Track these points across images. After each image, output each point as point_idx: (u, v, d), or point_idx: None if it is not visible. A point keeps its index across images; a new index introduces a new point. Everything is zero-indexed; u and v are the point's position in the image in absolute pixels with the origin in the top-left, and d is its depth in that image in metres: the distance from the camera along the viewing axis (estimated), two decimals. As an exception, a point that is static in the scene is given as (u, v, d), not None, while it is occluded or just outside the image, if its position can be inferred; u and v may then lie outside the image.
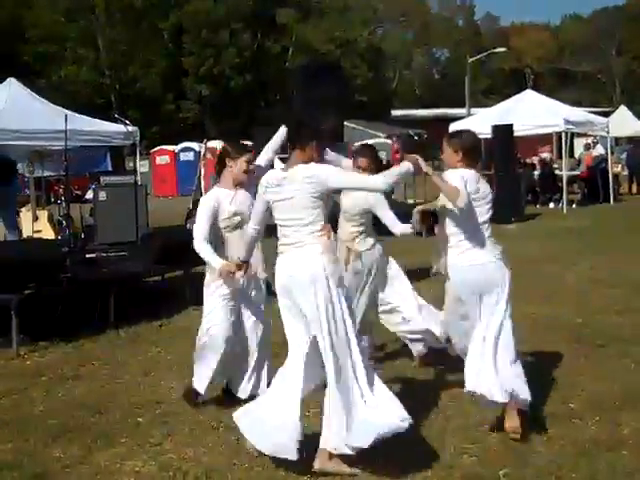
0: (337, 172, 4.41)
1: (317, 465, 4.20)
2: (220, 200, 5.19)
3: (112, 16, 51.19)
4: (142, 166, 24.97)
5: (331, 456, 4.19)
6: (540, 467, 4.18)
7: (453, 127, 21.53)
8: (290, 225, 4.30)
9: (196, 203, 11.47)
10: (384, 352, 6.53)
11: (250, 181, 5.25)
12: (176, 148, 34.35)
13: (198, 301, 8.44)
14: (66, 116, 10.87)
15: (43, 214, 11.40)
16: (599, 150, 22.97)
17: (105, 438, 4.77)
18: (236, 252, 5.00)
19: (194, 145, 33.89)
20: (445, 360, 6.14)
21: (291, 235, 4.30)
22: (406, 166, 4.35)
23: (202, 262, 9.42)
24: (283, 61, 54.98)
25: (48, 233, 10.96)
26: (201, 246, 5.06)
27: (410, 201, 17.90)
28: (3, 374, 6.27)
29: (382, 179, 4.29)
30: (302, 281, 4.21)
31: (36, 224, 10.96)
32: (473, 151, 4.88)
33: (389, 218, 5.71)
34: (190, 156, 32.32)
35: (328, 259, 4.24)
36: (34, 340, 7.06)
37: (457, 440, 4.54)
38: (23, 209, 11.67)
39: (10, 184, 10.05)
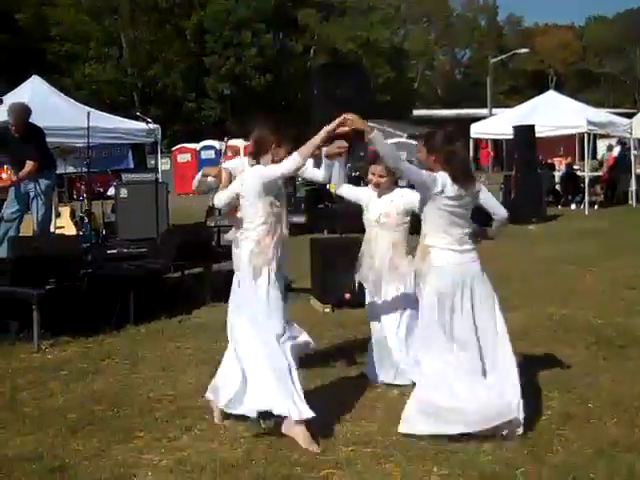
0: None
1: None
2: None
3: (135, 16, 51.52)
4: (164, 164, 25.14)
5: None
6: (558, 467, 4.16)
7: (474, 127, 21.53)
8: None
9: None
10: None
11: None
12: (197, 146, 34.48)
13: (217, 298, 8.58)
14: (89, 113, 10.97)
15: (65, 210, 11.49)
16: (617, 152, 22.82)
17: (123, 432, 4.80)
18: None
19: (215, 143, 34.03)
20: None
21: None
22: (320, 135, 4.60)
23: (221, 259, 9.51)
24: (305, 61, 54.98)
25: (70, 229, 11.04)
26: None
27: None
28: (24, 368, 6.32)
29: (295, 154, 4.57)
30: None
31: (58, 220, 11.03)
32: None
33: None
34: (211, 154, 32.42)
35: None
36: (55, 335, 7.12)
37: (473, 438, 4.53)
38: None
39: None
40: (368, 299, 5.82)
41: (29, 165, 8.51)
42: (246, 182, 4.87)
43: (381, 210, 5.63)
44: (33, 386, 5.82)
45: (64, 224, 11.16)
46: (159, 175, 12.69)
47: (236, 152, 32.52)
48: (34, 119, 8.92)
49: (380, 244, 5.63)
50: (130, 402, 5.37)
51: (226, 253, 9.52)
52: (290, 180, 15.63)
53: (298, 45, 54.15)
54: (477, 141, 23.72)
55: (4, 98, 9.24)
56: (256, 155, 4.96)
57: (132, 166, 15.00)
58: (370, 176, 5.70)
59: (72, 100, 14.81)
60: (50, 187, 9.00)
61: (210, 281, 8.83)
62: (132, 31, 51.48)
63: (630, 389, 5.37)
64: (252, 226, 4.84)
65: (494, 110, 35.28)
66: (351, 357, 6.35)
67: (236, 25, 50.27)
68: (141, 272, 8.31)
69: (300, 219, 8.99)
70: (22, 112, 8.69)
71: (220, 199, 5.12)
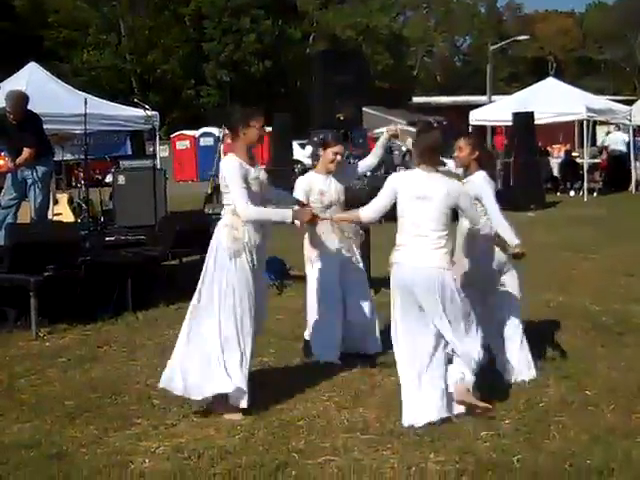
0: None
1: None
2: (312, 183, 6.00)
3: (134, 2, 51.32)
4: (162, 151, 25.09)
5: None
6: (554, 453, 4.17)
7: (474, 114, 21.48)
8: None
9: (216, 188, 11.55)
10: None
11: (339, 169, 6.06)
12: (196, 133, 34.39)
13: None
14: (85, 100, 10.93)
15: (63, 197, 11.47)
16: (616, 137, 22.73)
17: (121, 419, 4.81)
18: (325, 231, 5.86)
19: (214, 130, 33.91)
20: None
21: None
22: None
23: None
24: (304, 48, 54.82)
25: (68, 216, 11.02)
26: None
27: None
28: (22, 355, 6.33)
29: (249, 210, 4.86)
30: None
31: (56, 207, 11.01)
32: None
33: None
34: (210, 141, 32.33)
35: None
36: (53, 322, 7.11)
37: (470, 426, 4.54)
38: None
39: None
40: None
41: (26, 152, 8.48)
42: (222, 170, 4.98)
43: None
44: (31, 373, 5.83)
45: (62, 211, 11.14)
46: (157, 162, 12.64)
47: (234, 139, 32.45)
48: (31, 106, 8.87)
49: None
50: (128, 389, 5.38)
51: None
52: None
53: (297, 32, 53.97)
54: (493, 127, 23.68)
55: (1, 85, 9.19)
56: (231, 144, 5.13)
57: (130, 153, 14.97)
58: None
59: (70, 87, 14.76)
60: (47, 174, 8.96)
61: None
62: (131, 17, 51.31)
63: (627, 376, 5.38)
64: (227, 210, 4.96)
65: (493, 97, 35.15)
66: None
67: (235, 11, 50.11)
68: (139, 259, 8.29)
69: (297, 206, 8.92)
70: (20, 99, 8.65)
71: None
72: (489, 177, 5.31)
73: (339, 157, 6.00)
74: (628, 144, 21.37)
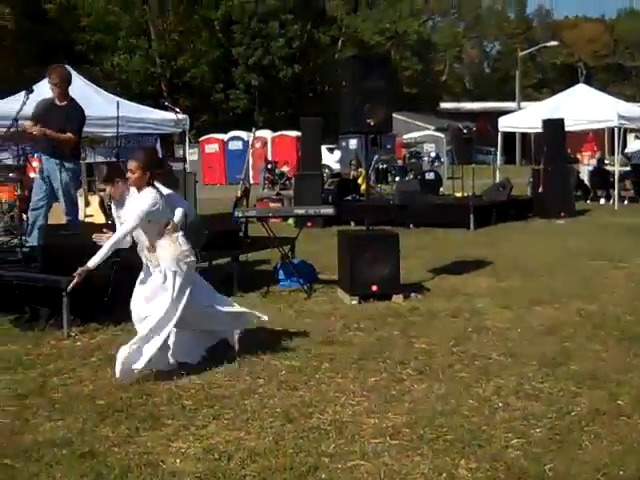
0: None
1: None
2: None
3: (163, 6, 51.72)
4: (192, 154, 25.30)
5: None
6: (587, 463, 4.13)
7: (503, 121, 21.38)
8: None
9: (245, 192, 11.59)
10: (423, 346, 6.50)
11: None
12: (225, 137, 34.57)
13: (244, 288, 8.62)
14: (118, 103, 11.04)
15: (95, 199, 11.55)
16: (637, 146, 22.52)
17: (151, 420, 4.84)
18: None
19: (243, 134, 34.12)
20: (490, 353, 6.14)
21: None
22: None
23: (249, 250, 9.55)
24: (332, 52, 54.89)
25: (99, 218, 11.10)
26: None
27: (458, 194, 17.73)
28: (54, 354, 6.39)
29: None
30: None
31: (88, 209, 11.12)
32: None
33: None
34: (239, 145, 32.58)
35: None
36: (84, 322, 7.18)
37: (501, 433, 4.51)
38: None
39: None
40: None
41: (69, 136, 8.45)
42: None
43: None
44: (62, 372, 5.88)
45: (93, 213, 11.23)
46: (187, 165, 12.72)
47: (264, 143, 32.68)
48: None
49: None
50: (158, 390, 5.40)
51: (253, 243, 9.63)
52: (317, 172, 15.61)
53: (325, 37, 54.08)
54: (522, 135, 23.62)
55: (34, 88, 9.26)
56: None
57: (160, 156, 15.06)
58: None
59: (101, 90, 14.89)
60: (76, 175, 8.99)
61: (237, 271, 8.86)
62: (161, 22, 51.71)
63: (660, 386, 5.31)
64: None
65: (522, 103, 35.00)
66: (377, 349, 6.34)
67: (264, 16, 50.33)
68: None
69: (328, 210, 8.95)
70: (64, 74, 8.69)
71: None
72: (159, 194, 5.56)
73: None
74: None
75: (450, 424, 4.68)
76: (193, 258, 5.78)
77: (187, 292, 5.69)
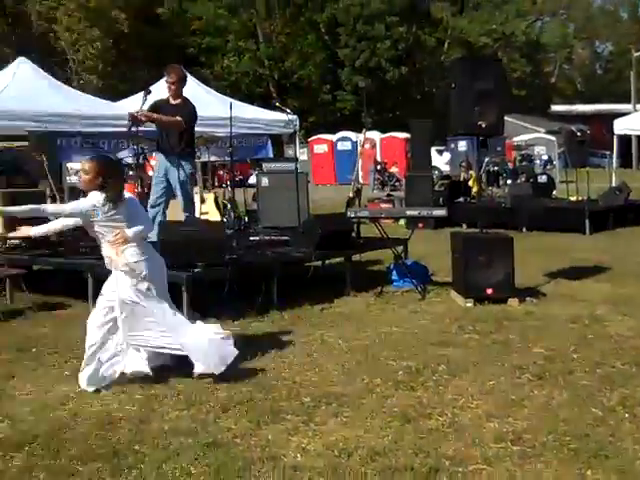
0: None
1: None
2: None
3: (271, 10, 52.48)
4: (301, 154, 25.61)
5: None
6: None
7: (618, 124, 20.68)
8: None
9: (357, 192, 11.64)
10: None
11: None
12: (334, 137, 34.82)
13: (356, 288, 8.65)
14: (231, 104, 11.23)
15: (210, 197, 11.82)
16: None
17: (272, 414, 4.90)
18: None
19: (352, 135, 34.30)
20: (613, 362, 5.94)
21: None
22: None
23: (361, 250, 9.57)
24: (439, 54, 54.44)
25: (214, 215, 11.36)
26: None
27: (572, 198, 17.24)
28: (174, 347, 6.53)
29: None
30: None
31: (203, 206, 11.37)
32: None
33: None
34: (347, 145, 32.78)
35: None
36: (203, 317, 7.34)
37: (629, 445, 4.36)
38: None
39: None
40: None
41: (176, 119, 8.66)
42: None
43: None
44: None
45: (209, 210, 11.48)
46: (298, 165, 12.85)
47: (373, 144, 32.75)
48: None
49: None
50: (277, 385, 5.48)
51: (365, 244, 9.65)
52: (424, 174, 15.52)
53: (431, 38, 53.62)
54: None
55: (150, 89, 9.55)
56: None
57: (271, 156, 15.31)
58: None
59: (213, 91, 15.24)
60: (192, 173, 9.22)
61: (350, 271, 8.90)
62: (268, 25, 52.47)
63: None
64: None
65: (638, 105, 33.79)
66: (494, 353, 6.25)
67: (369, 18, 50.32)
68: (284, 260, 8.47)
69: (441, 212, 8.89)
70: (181, 74, 8.95)
71: None
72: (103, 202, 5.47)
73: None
74: None
75: (574, 433, 4.55)
76: (146, 284, 5.67)
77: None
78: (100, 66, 46.46)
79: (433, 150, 23.04)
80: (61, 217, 5.88)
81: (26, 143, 12.81)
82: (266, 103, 22.94)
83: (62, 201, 10.42)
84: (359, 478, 4.02)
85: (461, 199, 16.82)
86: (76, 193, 13.19)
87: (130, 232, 5.58)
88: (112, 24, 46.74)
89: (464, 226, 14.35)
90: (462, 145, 29.52)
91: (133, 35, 47.81)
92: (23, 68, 12.96)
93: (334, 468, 4.12)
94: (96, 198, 5.49)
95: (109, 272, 5.74)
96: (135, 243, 5.62)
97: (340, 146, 34.09)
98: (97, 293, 7.61)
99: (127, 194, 5.83)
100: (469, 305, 7.95)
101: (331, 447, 4.40)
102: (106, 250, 5.67)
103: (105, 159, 6.03)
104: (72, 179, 13.55)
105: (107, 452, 4.33)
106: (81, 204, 5.65)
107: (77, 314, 7.78)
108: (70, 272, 8.22)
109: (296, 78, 51.18)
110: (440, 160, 27.96)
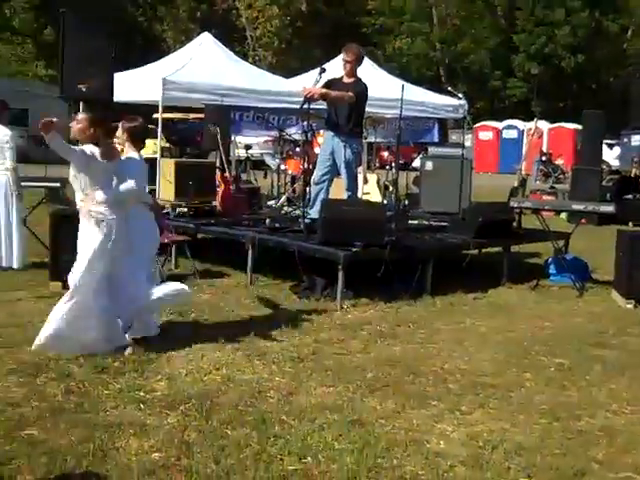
0: None
1: None
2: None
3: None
4: (466, 140, 25.20)
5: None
6: None
7: None
8: None
9: (522, 182, 11.40)
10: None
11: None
12: (500, 125, 34.09)
13: (513, 279, 8.48)
14: (403, 86, 11.18)
15: (372, 177, 11.89)
16: None
17: (418, 398, 4.92)
18: None
19: (519, 123, 33.43)
20: None
21: None
22: None
23: (521, 241, 9.35)
24: (621, 42, 51.81)
25: (376, 196, 11.43)
26: None
27: None
28: (327, 324, 6.67)
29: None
30: None
31: (365, 186, 11.45)
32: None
33: None
34: (514, 134, 32.00)
35: None
36: (357, 296, 7.45)
37: None
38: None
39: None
40: None
41: (349, 94, 8.69)
42: None
43: None
44: (333, 342, 6.13)
45: (370, 191, 11.56)
46: (464, 151, 12.69)
47: (540, 134, 31.81)
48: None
49: None
50: (425, 371, 5.48)
51: (525, 235, 9.42)
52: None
53: (614, 25, 51.07)
54: None
55: (325, 67, 9.64)
56: None
57: (437, 140, 15.15)
58: None
59: (384, 72, 15.22)
60: (357, 154, 9.25)
61: (508, 261, 8.73)
62: (443, 6, 51.83)
63: None
64: None
65: None
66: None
67: (549, 2, 48.62)
68: (441, 245, 8.42)
69: (608, 208, 8.54)
70: (359, 53, 9.00)
71: None
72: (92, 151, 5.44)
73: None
74: None
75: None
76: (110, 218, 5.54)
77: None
78: (276, 43, 47.63)
79: (604, 144, 22.04)
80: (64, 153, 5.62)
81: (201, 115, 13.28)
82: (433, 86, 22.65)
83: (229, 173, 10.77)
84: (502, 472, 3.96)
85: (630, 196, 16.04)
86: (242, 165, 13.70)
87: (121, 186, 5.62)
88: (291, 2, 47.75)
89: (630, 224, 13.68)
90: (636, 139, 28.03)
91: (311, 13, 48.62)
92: (206, 43, 13.44)
93: (476, 459, 4.09)
94: (88, 149, 5.50)
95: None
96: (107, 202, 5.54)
97: (506, 134, 33.35)
98: (257, 264, 7.99)
99: (133, 155, 5.86)
100: (629, 307, 7.63)
101: (475, 437, 4.37)
102: (78, 200, 5.68)
103: (99, 114, 5.94)
104: (240, 152, 14.03)
105: (255, 419, 4.48)
106: (77, 149, 5.55)
107: (235, 284, 8.10)
108: (232, 242, 8.53)
109: (467, 62, 50.34)
110: (610, 154, 26.66)
